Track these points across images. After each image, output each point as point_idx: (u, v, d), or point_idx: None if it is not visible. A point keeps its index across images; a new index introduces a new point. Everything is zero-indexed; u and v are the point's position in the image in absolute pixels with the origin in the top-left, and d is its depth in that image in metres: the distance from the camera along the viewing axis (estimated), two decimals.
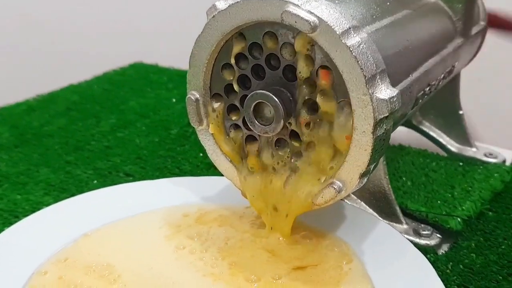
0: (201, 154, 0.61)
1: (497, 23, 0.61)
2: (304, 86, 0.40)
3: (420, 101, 0.48)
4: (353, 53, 0.37)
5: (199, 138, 0.46)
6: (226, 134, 0.45)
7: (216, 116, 0.44)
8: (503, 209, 0.52)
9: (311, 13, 0.37)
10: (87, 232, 0.45)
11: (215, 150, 0.46)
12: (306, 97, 0.40)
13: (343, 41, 0.37)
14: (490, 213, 0.52)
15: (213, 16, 0.41)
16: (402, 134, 0.65)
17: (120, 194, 0.49)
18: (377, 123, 0.38)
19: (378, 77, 0.38)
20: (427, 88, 0.48)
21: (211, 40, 0.42)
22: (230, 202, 0.49)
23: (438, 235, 0.48)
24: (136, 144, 0.63)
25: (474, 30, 0.56)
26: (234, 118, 0.44)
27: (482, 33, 0.58)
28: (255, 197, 0.45)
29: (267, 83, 0.41)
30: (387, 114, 0.37)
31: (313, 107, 0.40)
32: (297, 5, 0.37)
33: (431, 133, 0.62)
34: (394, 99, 0.38)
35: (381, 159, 0.47)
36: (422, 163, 0.59)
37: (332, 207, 0.48)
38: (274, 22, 0.39)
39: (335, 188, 0.40)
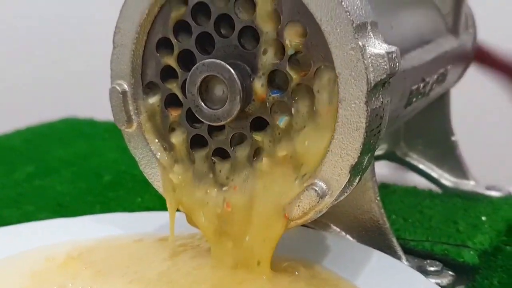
0: (139, 199, 0.48)
1: (484, 59, 0.53)
2: (267, 54, 0.29)
3: (414, 100, 0.38)
4: None
5: (128, 145, 0.34)
6: (164, 138, 0.33)
7: (151, 112, 0.33)
8: None
9: None
10: None
11: (150, 160, 0.34)
12: (272, 68, 0.29)
13: None
14: (508, 247, 0.41)
15: None
16: (383, 173, 0.54)
17: None
18: (372, 90, 0.27)
19: (369, 27, 0.27)
20: (422, 85, 0.38)
21: (141, 6, 0.32)
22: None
23: (450, 272, 0.37)
24: (57, 191, 0.51)
25: (464, 34, 0.47)
26: (174, 113, 0.33)
27: (472, 42, 0.49)
28: (209, 220, 0.33)
29: (217, 56, 0.30)
30: (384, 76, 0.27)
31: (281, 81, 0.29)
32: None
33: (420, 166, 0.51)
34: (394, 55, 0.27)
35: (370, 174, 0.36)
36: (413, 201, 0.48)
37: (311, 236, 0.37)
38: None
39: (316, 191, 0.29)
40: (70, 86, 0.98)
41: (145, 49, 0.33)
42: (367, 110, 0.27)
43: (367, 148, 0.28)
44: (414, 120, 0.50)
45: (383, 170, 0.55)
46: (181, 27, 0.31)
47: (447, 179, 0.51)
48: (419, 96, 0.38)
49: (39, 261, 0.34)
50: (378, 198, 0.37)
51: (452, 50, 0.43)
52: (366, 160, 0.29)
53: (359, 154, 0.28)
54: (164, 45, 0.32)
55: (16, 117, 0.73)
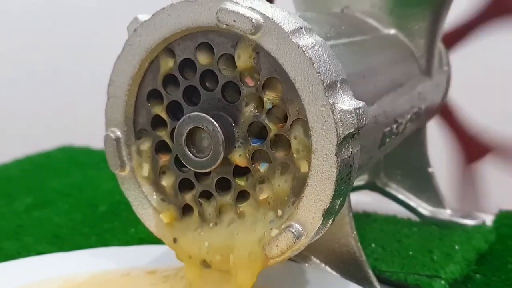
0: (132, 230, 0.51)
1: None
2: (248, 105, 0.32)
3: (387, 140, 0.40)
4: (307, 54, 0.29)
5: (121, 188, 0.37)
6: (155, 180, 0.36)
7: (142, 157, 0.36)
8: (492, 271, 0.44)
9: (253, 9, 0.30)
10: None
11: (142, 201, 0.37)
12: (252, 119, 0.32)
13: (293, 40, 0.29)
14: (478, 275, 0.43)
15: (135, 30, 0.34)
16: (365, 201, 0.57)
17: None
18: (341, 142, 0.30)
19: (339, 85, 0.30)
20: (395, 126, 0.41)
21: (133, 61, 0.34)
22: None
23: None
24: (54, 222, 0.53)
25: (438, 72, 0.50)
26: (164, 158, 0.36)
27: (447, 79, 0.52)
28: (194, 259, 0.35)
29: (202, 108, 0.33)
30: (352, 130, 0.30)
31: (261, 131, 0.32)
32: (235, 2, 0.30)
33: (400, 196, 0.54)
34: (361, 110, 0.30)
35: (346, 210, 0.39)
36: (392, 230, 0.51)
37: (291, 271, 0.39)
38: (209, 29, 0.32)
39: (292, 232, 0.31)
40: (68, 114, 1.01)
41: (137, 100, 0.35)
42: (337, 160, 0.30)
43: (338, 194, 0.31)
44: (393, 152, 0.53)
45: (366, 198, 0.58)
46: (169, 80, 0.34)
47: (425, 208, 0.53)
48: (393, 136, 0.41)
49: None
50: (355, 233, 0.39)
51: (425, 91, 0.46)
52: (338, 204, 0.32)
53: (331, 200, 0.30)
54: (154, 96, 0.35)
55: (15, 146, 0.76)
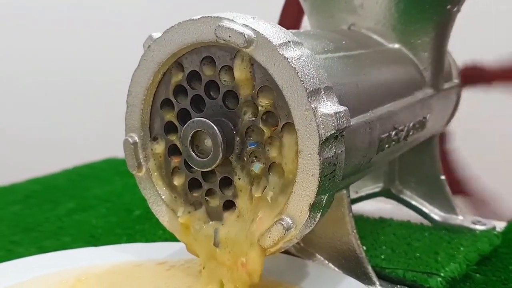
0: (160, 231, 0.55)
1: (473, 78, 0.58)
2: (245, 111, 0.36)
3: (387, 146, 0.43)
4: (292, 65, 0.33)
5: (139, 186, 0.41)
6: (168, 180, 0.40)
7: (157, 159, 0.40)
8: (493, 271, 0.46)
9: (246, 26, 0.34)
10: None
11: (156, 199, 0.41)
12: (249, 124, 0.36)
13: (280, 52, 0.33)
14: (478, 275, 0.46)
15: (149, 47, 0.38)
16: (384, 208, 0.60)
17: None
18: (324, 143, 0.33)
19: (322, 92, 0.34)
20: (393, 132, 0.44)
21: (147, 73, 0.39)
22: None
23: None
24: (92, 224, 0.58)
25: (447, 85, 0.52)
26: (176, 160, 0.40)
27: (457, 91, 0.55)
28: (206, 251, 0.39)
29: (207, 114, 0.37)
30: (333, 132, 0.33)
31: (257, 134, 0.36)
32: (231, 20, 0.35)
33: (413, 202, 0.57)
34: (341, 114, 0.34)
35: (347, 211, 0.42)
36: (404, 234, 0.54)
37: (297, 266, 0.43)
38: (211, 44, 0.36)
39: (282, 225, 0.35)
40: (114, 128, 1.08)
41: (152, 108, 0.40)
42: (320, 159, 0.33)
43: (324, 190, 0.34)
44: (407, 161, 0.56)
45: (385, 206, 0.61)
46: (179, 90, 0.38)
47: (437, 214, 0.56)
48: (393, 143, 0.44)
49: (54, 283, 0.42)
50: (355, 231, 0.42)
51: (430, 101, 0.49)
52: (325, 199, 0.35)
53: (315, 195, 0.34)
54: (167, 104, 0.39)
55: (64, 158, 0.82)
